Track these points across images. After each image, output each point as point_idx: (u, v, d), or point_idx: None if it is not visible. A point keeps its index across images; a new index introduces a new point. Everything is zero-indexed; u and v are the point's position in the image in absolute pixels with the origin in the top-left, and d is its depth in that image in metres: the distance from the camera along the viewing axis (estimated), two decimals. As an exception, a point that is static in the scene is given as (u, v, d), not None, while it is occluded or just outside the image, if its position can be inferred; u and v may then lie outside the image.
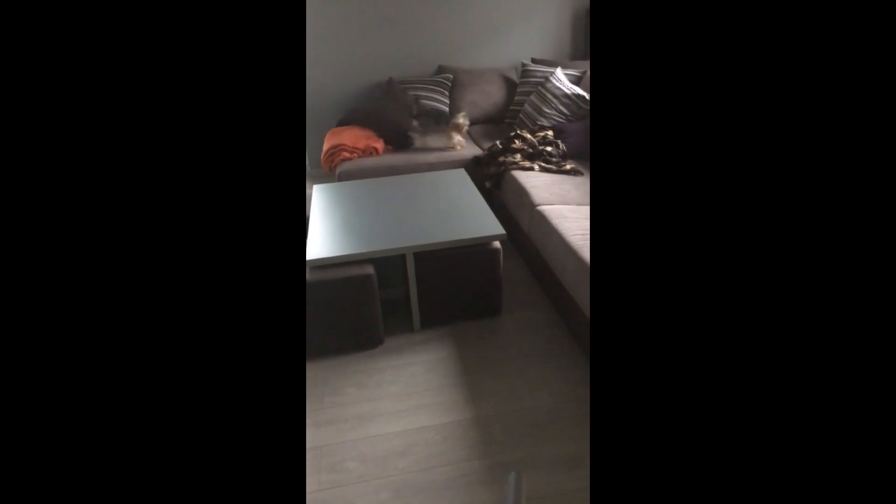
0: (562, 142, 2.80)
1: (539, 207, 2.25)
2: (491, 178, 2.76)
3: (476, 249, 2.04)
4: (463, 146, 2.99)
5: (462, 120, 2.89)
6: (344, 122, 3.21)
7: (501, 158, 2.75)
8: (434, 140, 2.84)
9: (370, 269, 1.92)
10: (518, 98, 3.27)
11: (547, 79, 3.07)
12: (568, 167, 2.64)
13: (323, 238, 2.04)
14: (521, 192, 2.42)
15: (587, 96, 2.93)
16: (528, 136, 2.82)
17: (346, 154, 2.92)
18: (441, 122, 2.76)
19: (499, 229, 2.06)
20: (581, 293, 1.83)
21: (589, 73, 3.07)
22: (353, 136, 2.98)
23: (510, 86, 3.42)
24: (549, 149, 2.75)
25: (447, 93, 3.37)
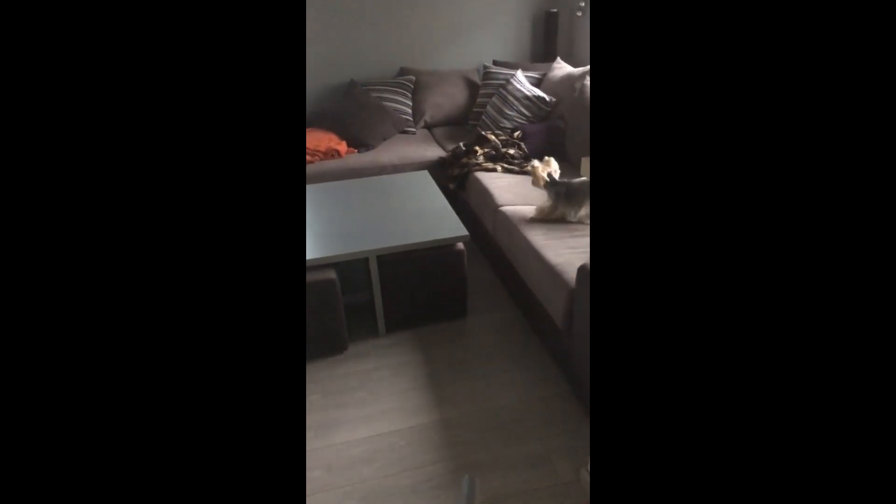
0: (523, 143, 2.83)
1: (503, 208, 2.26)
2: (454, 179, 2.76)
3: (440, 251, 2.03)
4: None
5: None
6: (305, 125, 3.16)
7: (465, 160, 2.76)
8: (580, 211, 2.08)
9: (332, 274, 1.90)
10: (480, 100, 3.29)
11: (508, 81, 3.10)
12: (530, 168, 2.67)
13: (283, 243, 2.00)
14: (485, 194, 2.43)
15: (547, 98, 2.97)
16: (493, 137, 2.84)
17: (308, 157, 2.87)
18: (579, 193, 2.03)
19: (462, 231, 2.06)
20: (545, 293, 1.85)
21: (549, 75, 3.11)
22: (315, 139, 2.94)
23: (472, 88, 3.43)
24: (511, 151, 2.77)
25: (410, 95, 3.36)
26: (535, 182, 2.14)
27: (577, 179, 2.06)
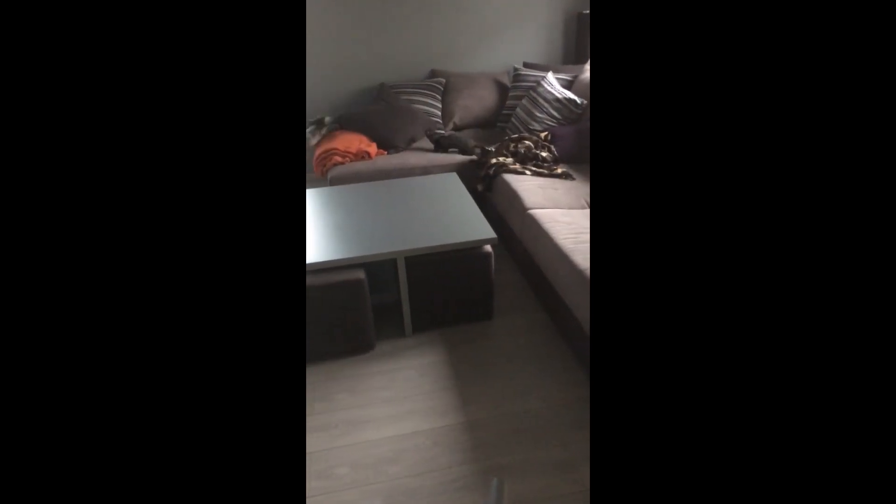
0: (553, 146, 2.81)
1: (531, 211, 2.25)
2: (482, 181, 2.76)
3: (468, 253, 2.04)
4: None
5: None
6: (336, 127, 3.21)
7: (493, 161, 2.76)
8: None
9: (361, 274, 1.92)
10: (510, 102, 3.28)
11: (538, 83, 3.08)
12: (559, 171, 2.65)
13: (314, 242, 2.04)
14: (513, 196, 2.43)
15: (578, 100, 2.94)
16: (526, 140, 2.83)
17: (338, 158, 2.91)
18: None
19: (490, 233, 2.06)
20: (572, 296, 1.84)
21: (580, 77, 3.08)
22: (346, 141, 2.98)
23: (502, 90, 3.43)
24: (543, 153, 2.76)
25: (439, 97, 3.38)
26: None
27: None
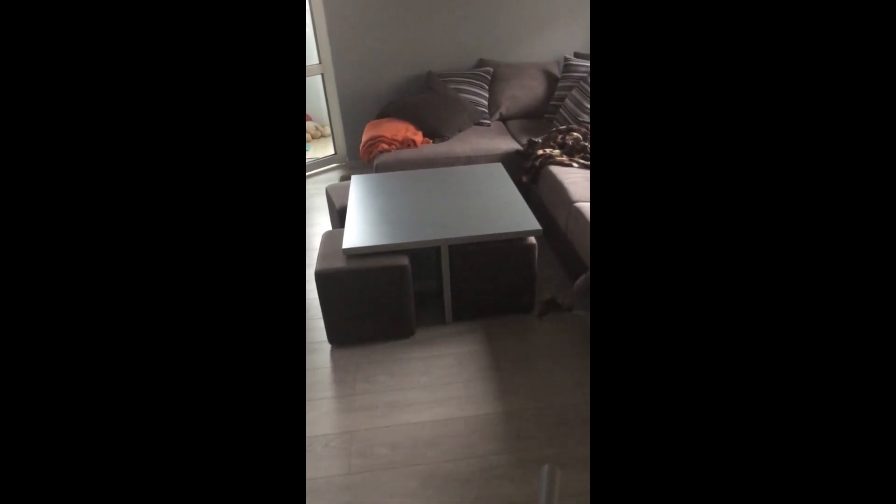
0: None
1: (577, 204, 2.22)
2: (528, 172, 2.73)
3: (511, 244, 2.03)
4: None
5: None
6: (383, 115, 3.24)
7: (539, 153, 2.72)
8: None
9: (405, 261, 1.94)
10: (559, 93, 3.22)
11: (589, 74, 3.02)
12: None
13: (359, 227, 2.07)
14: (559, 188, 2.39)
15: (630, 92, 2.86)
16: (575, 132, 2.78)
17: (385, 146, 2.94)
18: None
19: (535, 225, 2.04)
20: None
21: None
22: (392, 129, 3.01)
23: (551, 80, 3.37)
24: (590, 145, 2.70)
25: (486, 87, 3.36)
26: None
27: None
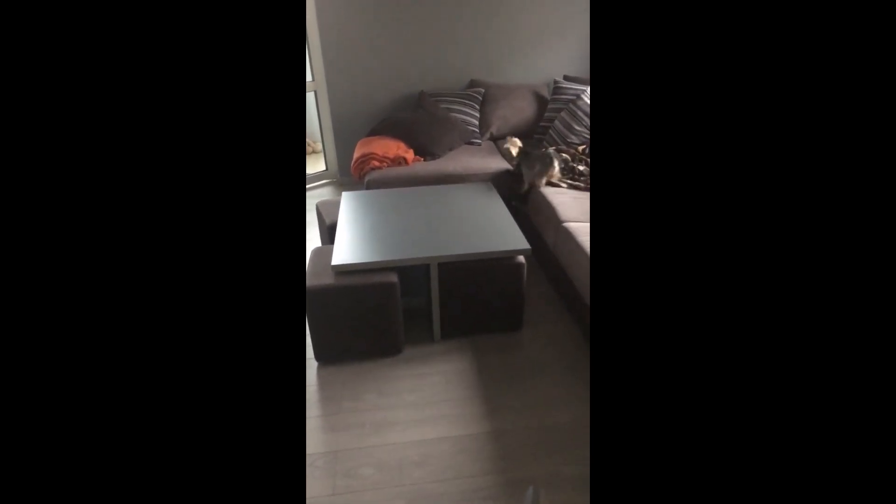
0: (590, 159, 2.79)
1: (565, 224, 2.24)
2: (518, 198, 2.76)
3: (500, 263, 2.04)
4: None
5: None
6: (375, 132, 3.26)
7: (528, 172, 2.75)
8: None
9: (394, 277, 1.94)
10: (548, 115, 3.28)
11: (578, 97, 3.07)
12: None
13: (349, 244, 2.07)
14: (548, 208, 2.42)
15: (618, 115, 2.92)
16: (564, 153, 2.82)
17: (376, 163, 2.96)
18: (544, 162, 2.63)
19: (524, 244, 2.05)
20: (605, 312, 1.81)
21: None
22: (384, 146, 3.03)
23: (541, 102, 3.43)
24: (580, 167, 2.74)
25: (477, 107, 3.40)
26: (509, 153, 2.77)
27: (539, 151, 2.71)
